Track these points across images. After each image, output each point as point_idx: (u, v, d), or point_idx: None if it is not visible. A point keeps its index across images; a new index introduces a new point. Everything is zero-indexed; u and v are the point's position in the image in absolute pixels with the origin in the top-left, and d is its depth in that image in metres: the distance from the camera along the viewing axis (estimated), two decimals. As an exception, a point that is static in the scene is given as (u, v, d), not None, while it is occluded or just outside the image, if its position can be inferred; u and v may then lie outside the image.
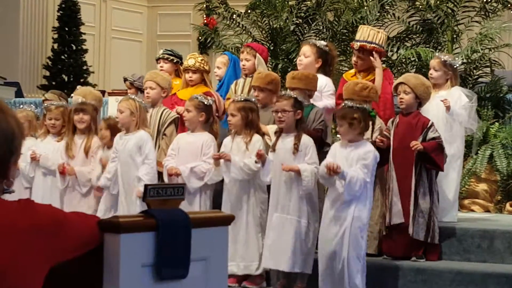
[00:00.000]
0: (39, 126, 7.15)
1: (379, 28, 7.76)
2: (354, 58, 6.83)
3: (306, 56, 6.62)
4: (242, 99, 6.07)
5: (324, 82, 6.47)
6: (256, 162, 5.85)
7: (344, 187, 5.39)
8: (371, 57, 6.64)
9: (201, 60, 7.28)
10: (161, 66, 7.70)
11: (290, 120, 5.79)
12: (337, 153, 5.55)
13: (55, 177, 6.75)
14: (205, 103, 6.25)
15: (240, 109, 6.00)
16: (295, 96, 5.83)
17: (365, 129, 5.64)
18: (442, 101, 6.41)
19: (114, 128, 6.54)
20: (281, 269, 5.77)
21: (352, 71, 6.94)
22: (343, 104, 5.73)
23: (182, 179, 6.10)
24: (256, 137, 6.03)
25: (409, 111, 6.16)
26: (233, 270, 5.87)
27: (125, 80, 7.97)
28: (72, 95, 7.02)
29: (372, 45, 6.68)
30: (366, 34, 6.81)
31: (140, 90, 7.74)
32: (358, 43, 6.74)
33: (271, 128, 6.18)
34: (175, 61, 7.73)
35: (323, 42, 6.85)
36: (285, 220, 5.75)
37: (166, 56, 7.74)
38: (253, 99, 6.15)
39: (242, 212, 5.96)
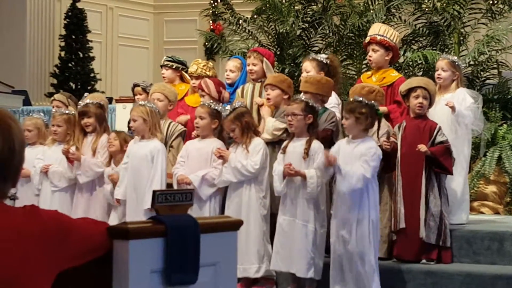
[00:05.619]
0: (48, 134, 7.15)
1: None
2: (368, 55, 6.81)
3: (307, 72, 6.57)
4: (231, 110, 6.03)
5: None
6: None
7: (341, 180, 5.45)
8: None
9: (203, 66, 7.31)
10: (162, 73, 7.77)
11: (299, 124, 5.77)
12: (341, 150, 5.57)
13: (65, 193, 6.74)
14: (218, 109, 6.24)
15: (235, 120, 6.00)
16: (306, 100, 5.81)
17: (370, 126, 5.64)
18: (446, 104, 6.39)
19: (124, 141, 6.53)
20: (292, 271, 5.76)
21: (369, 72, 6.92)
22: (351, 98, 5.73)
23: (192, 188, 6.06)
24: (258, 140, 6.03)
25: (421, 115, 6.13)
26: None
27: (136, 86, 7.89)
28: (79, 102, 7.00)
29: (382, 37, 6.67)
30: (377, 29, 6.82)
31: None
32: (369, 37, 6.75)
33: (269, 120, 6.18)
34: (174, 67, 7.75)
35: (323, 55, 6.78)
36: (293, 224, 5.75)
37: (165, 63, 7.80)
38: (238, 103, 6.13)
39: (242, 215, 5.88)
